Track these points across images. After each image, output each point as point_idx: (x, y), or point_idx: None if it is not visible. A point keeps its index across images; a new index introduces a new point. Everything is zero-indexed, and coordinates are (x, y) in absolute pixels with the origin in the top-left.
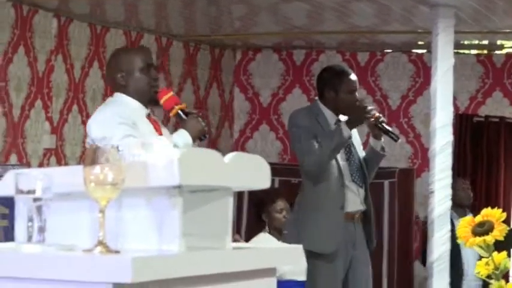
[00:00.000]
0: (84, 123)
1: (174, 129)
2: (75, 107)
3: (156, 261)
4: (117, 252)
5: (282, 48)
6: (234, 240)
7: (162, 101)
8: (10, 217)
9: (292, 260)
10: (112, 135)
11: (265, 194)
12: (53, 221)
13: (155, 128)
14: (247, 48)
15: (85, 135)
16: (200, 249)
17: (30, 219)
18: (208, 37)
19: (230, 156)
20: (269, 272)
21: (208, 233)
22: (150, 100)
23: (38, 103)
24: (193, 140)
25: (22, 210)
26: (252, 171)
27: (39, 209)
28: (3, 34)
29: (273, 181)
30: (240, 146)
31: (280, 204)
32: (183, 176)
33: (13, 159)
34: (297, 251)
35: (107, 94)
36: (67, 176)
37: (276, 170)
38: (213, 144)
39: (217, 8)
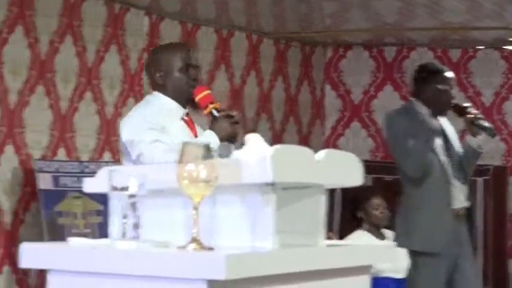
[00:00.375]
0: None
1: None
2: None
3: (250, 258)
4: (210, 249)
5: (373, 45)
6: (328, 238)
7: (197, 99)
8: (104, 213)
9: (386, 258)
10: (140, 140)
11: (361, 191)
12: (147, 218)
13: (190, 128)
14: (338, 45)
15: None
16: (293, 247)
17: (125, 216)
18: (299, 34)
19: (322, 153)
20: (363, 269)
21: (301, 230)
22: (187, 100)
23: (131, 100)
24: (221, 141)
25: (116, 207)
26: (344, 168)
27: (133, 206)
28: (96, 32)
29: (365, 179)
30: (331, 143)
31: (376, 201)
32: (276, 173)
33: (106, 156)
34: (391, 249)
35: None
36: (161, 173)
37: (368, 167)
38: (304, 142)
39: (308, 5)
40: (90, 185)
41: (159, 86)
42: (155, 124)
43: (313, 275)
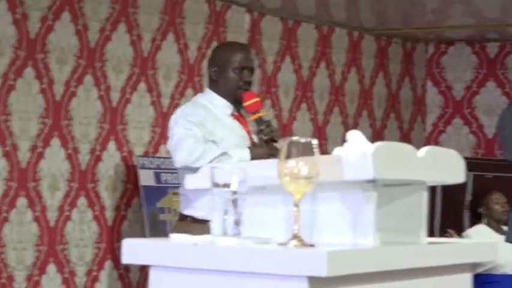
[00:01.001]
0: (276, 117)
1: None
2: (267, 101)
3: (351, 255)
4: (311, 246)
5: (475, 41)
6: (447, 235)
7: (245, 104)
8: None
9: (489, 256)
10: (176, 130)
11: (481, 187)
12: (249, 214)
13: (242, 124)
14: (440, 41)
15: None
16: (394, 244)
17: (226, 213)
18: (400, 30)
19: (424, 150)
20: (465, 267)
21: (402, 227)
22: (235, 101)
23: None
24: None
25: (218, 203)
26: (446, 165)
27: (235, 203)
28: (197, 30)
29: (466, 176)
30: (432, 140)
31: (498, 195)
32: (377, 170)
33: None
34: (495, 245)
35: (298, 88)
36: (261, 170)
37: (470, 164)
38: (405, 138)
39: (409, 0)
40: (191, 182)
41: (212, 82)
42: (194, 120)
43: (413, 272)
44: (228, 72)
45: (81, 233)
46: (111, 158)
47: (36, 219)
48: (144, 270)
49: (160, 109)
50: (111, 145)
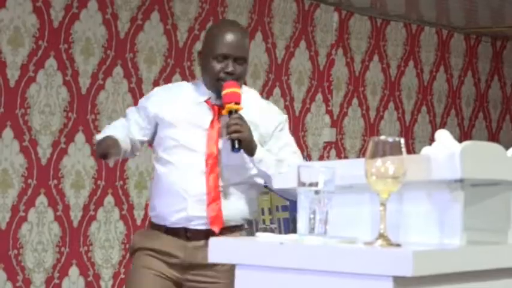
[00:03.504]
0: (363, 116)
1: None
2: (355, 101)
3: (437, 255)
4: (398, 245)
5: None
6: None
7: (223, 93)
8: (291, 209)
9: None
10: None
11: None
12: (334, 213)
13: (214, 112)
14: None
15: (365, 128)
16: (481, 244)
17: (313, 212)
18: (490, 29)
19: None
20: None
21: (489, 227)
22: (216, 91)
23: (319, 97)
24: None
25: (304, 202)
26: None
27: (321, 201)
28: (286, 28)
29: None
30: None
31: None
32: (464, 170)
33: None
34: None
35: (386, 87)
36: (348, 169)
37: None
38: (494, 138)
39: None
40: (278, 181)
41: (200, 64)
42: (141, 103)
43: (500, 273)
44: (210, 60)
45: (107, 234)
46: None
47: (57, 218)
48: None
49: None
50: None
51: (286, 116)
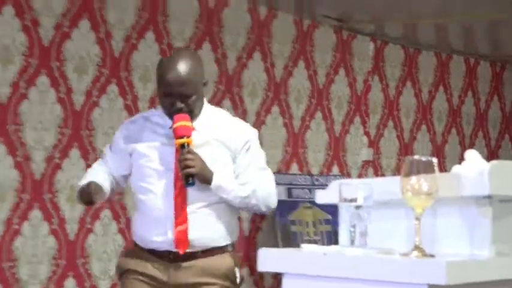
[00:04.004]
0: (398, 137)
1: None
2: (390, 123)
3: (468, 265)
4: (432, 256)
5: None
6: None
7: (173, 127)
8: (333, 222)
9: None
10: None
11: None
12: (373, 226)
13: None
14: None
15: (400, 148)
16: (509, 255)
17: (353, 225)
18: None
19: None
20: None
21: None
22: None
23: (357, 119)
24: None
25: (345, 216)
26: None
27: (360, 216)
28: (325, 57)
29: None
30: None
31: None
32: (492, 187)
33: (335, 170)
34: None
35: (419, 111)
36: (385, 186)
37: None
38: None
39: None
40: (321, 197)
41: None
42: (116, 137)
43: None
44: (160, 96)
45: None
46: None
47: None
48: (277, 277)
49: (292, 130)
50: None
51: (255, 131)
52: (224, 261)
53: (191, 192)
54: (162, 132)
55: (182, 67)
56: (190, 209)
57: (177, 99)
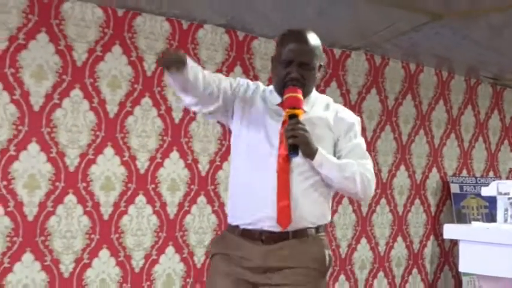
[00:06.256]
0: None
1: None
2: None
3: None
4: None
5: None
6: None
7: (284, 97)
8: (490, 208)
9: None
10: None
11: None
12: None
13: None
14: None
15: None
16: None
17: (506, 210)
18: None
19: None
20: None
21: None
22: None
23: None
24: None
25: (501, 204)
26: None
27: (511, 204)
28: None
29: None
30: None
31: None
32: None
33: (491, 174)
34: None
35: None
36: None
37: None
38: None
39: None
40: (485, 191)
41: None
42: (248, 83)
43: None
44: (277, 65)
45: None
46: (433, 177)
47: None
48: (454, 244)
49: (462, 147)
50: (433, 170)
51: (358, 119)
52: (316, 244)
53: (293, 168)
54: (270, 107)
55: (308, 38)
56: (292, 185)
57: (296, 68)
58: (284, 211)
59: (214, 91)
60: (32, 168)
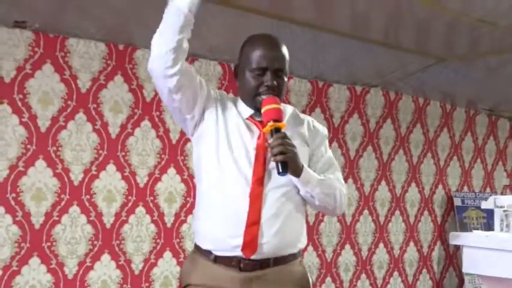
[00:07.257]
0: None
1: None
2: None
3: None
4: None
5: None
6: None
7: (263, 110)
8: (487, 218)
9: None
10: None
11: None
12: None
13: (257, 127)
14: None
15: None
16: None
17: (502, 220)
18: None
19: None
20: None
21: None
22: (255, 108)
23: (500, 166)
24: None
25: (497, 215)
26: None
27: (506, 216)
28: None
29: None
30: None
31: None
32: None
33: (488, 190)
34: None
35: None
36: None
37: None
38: None
39: None
40: (484, 204)
41: (236, 79)
42: (213, 91)
43: None
44: (246, 73)
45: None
46: (440, 192)
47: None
48: (457, 248)
49: (439, 164)
50: (440, 187)
51: (327, 131)
52: (298, 269)
53: (271, 189)
54: (241, 120)
55: (279, 43)
56: (266, 206)
57: (271, 76)
58: (251, 238)
59: (183, 60)
60: (39, 182)
